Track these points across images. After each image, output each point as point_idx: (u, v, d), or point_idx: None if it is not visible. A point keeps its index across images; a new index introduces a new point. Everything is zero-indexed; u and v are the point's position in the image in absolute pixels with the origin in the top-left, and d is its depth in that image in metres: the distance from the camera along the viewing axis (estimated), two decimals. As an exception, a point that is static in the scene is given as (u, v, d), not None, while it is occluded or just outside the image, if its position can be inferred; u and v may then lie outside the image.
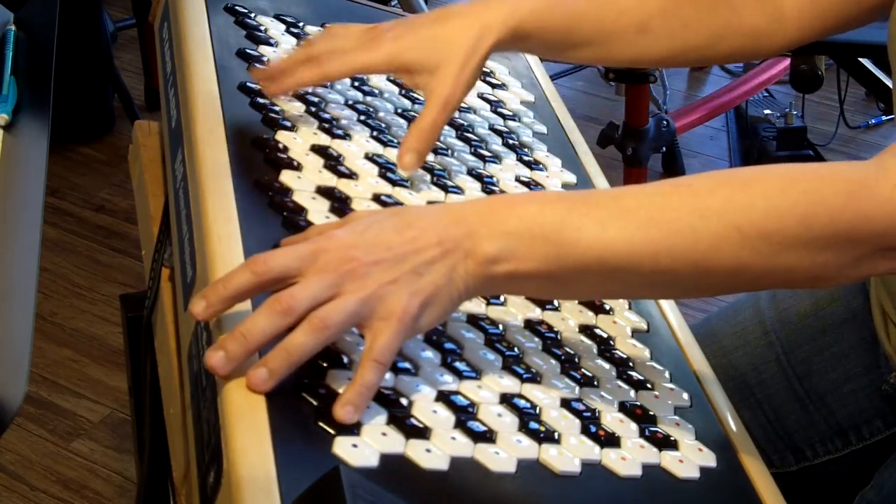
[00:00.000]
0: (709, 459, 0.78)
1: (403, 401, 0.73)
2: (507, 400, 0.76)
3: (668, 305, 0.92)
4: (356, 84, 1.03)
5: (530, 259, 0.73)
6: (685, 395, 0.83)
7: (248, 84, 0.97)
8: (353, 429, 0.69)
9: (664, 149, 2.59)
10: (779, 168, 0.74)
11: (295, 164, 0.89)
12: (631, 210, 0.73)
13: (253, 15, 1.07)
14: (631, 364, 0.85)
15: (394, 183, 0.92)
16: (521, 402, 0.77)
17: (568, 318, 0.86)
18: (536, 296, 0.78)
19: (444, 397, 0.75)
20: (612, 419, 0.79)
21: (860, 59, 2.25)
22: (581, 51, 0.97)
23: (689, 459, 0.78)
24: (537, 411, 0.77)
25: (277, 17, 1.09)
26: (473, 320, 0.82)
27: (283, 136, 0.92)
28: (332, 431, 0.68)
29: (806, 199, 0.72)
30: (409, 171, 0.91)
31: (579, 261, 0.73)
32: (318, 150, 0.92)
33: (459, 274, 0.73)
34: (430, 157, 0.97)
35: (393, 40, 0.91)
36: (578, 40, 0.96)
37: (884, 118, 2.86)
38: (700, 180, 0.74)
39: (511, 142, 1.04)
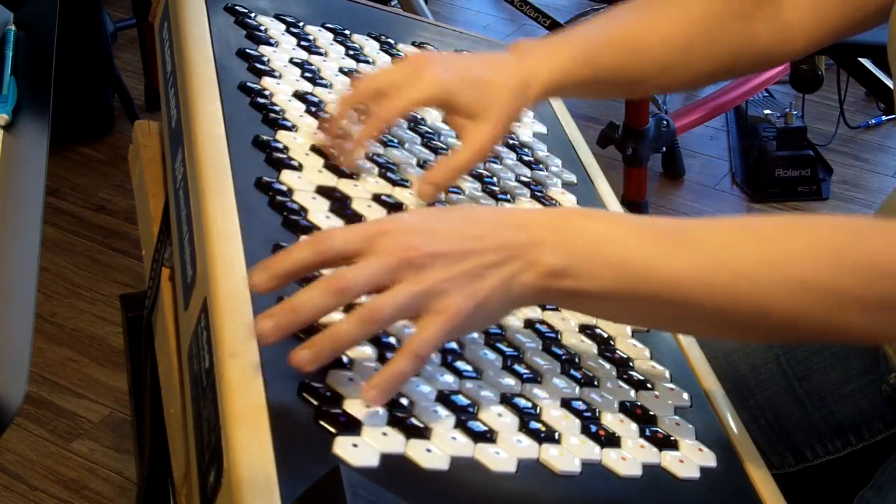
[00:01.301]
0: (709, 459, 0.78)
1: (403, 401, 0.73)
2: (507, 400, 0.76)
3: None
4: (356, 84, 1.03)
5: (592, 278, 0.72)
6: (685, 395, 0.83)
7: (248, 84, 0.97)
8: (353, 429, 0.69)
9: (664, 149, 2.59)
10: (850, 223, 0.74)
11: (295, 164, 0.89)
12: (698, 246, 0.73)
13: (253, 15, 1.07)
14: (631, 364, 0.85)
15: (394, 183, 0.92)
16: (522, 402, 0.77)
17: (568, 318, 0.86)
18: (591, 314, 0.77)
19: (444, 397, 0.75)
20: (613, 419, 0.79)
21: (860, 59, 2.25)
22: (629, 90, 1.01)
23: (689, 459, 0.78)
24: (537, 411, 0.77)
25: (277, 17, 1.09)
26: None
27: (283, 136, 0.92)
28: (332, 431, 0.68)
29: (873, 259, 0.71)
30: (425, 200, 0.90)
31: (641, 289, 0.72)
32: (319, 150, 0.92)
33: (517, 282, 0.72)
34: (432, 158, 0.97)
35: (443, 74, 0.89)
36: (625, 82, 0.97)
37: (884, 118, 2.86)
38: (768, 226, 0.75)
39: (511, 142, 1.04)
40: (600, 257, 0.72)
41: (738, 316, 0.73)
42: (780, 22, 0.99)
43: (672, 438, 0.79)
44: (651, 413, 0.80)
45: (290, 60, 1.03)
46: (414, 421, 0.72)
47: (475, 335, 0.81)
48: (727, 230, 0.74)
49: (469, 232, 0.72)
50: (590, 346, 0.85)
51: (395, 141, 0.98)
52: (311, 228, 0.83)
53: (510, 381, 0.78)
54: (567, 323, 0.86)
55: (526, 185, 0.98)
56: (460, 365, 0.78)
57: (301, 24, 1.10)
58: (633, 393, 0.82)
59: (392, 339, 0.77)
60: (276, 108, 0.95)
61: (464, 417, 0.73)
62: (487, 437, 0.73)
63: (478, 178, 0.96)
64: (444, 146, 0.99)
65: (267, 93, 0.97)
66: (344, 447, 0.68)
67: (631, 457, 0.76)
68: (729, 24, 0.98)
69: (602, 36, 0.94)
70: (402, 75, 0.90)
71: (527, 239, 0.72)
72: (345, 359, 0.74)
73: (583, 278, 0.72)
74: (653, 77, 0.98)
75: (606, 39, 0.94)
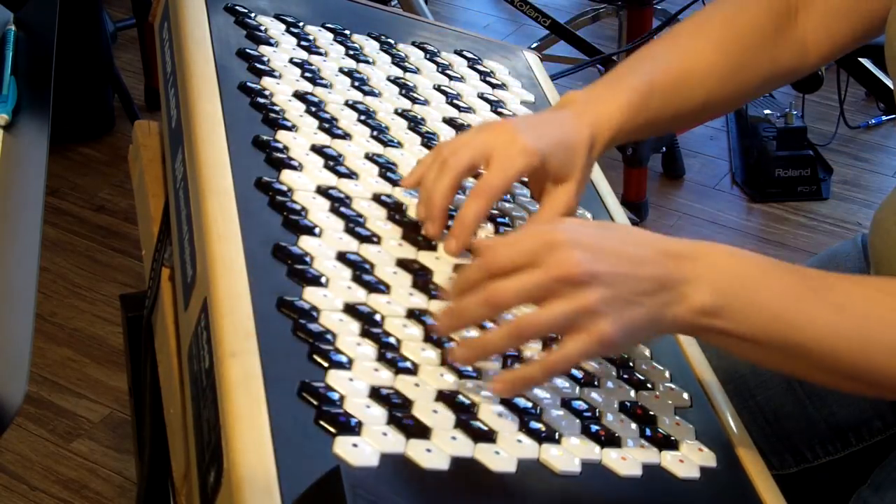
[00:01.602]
0: (709, 459, 0.78)
1: (403, 401, 0.73)
2: (506, 400, 0.76)
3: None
4: (356, 84, 1.03)
5: (742, 323, 0.74)
6: (685, 395, 0.83)
7: (248, 84, 0.97)
8: (353, 429, 0.69)
9: (664, 149, 2.59)
10: None
11: (295, 164, 0.89)
12: (840, 308, 0.76)
13: (253, 15, 1.07)
14: (631, 364, 0.85)
15: (394, 183, 0.92)
16: (522, 402, 0.76)
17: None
18: (733, 352, 0.78)
19: (444, 397, 0.74)
20: (613, 419, 0.78)
21: (860, 59, 2.25)
22: (671, 128, 1.02)
23: (689, 459, 0.78)
24: (537, 411, 0.76)
25: (277, 17, 1.09)
26: (473, 320, 0.82)
27: (283, 136, 0.92)
28: (332, 431, 0.68)
29: None
30: None
31: (787, 339, 0.75)
32: (318, 150, 0.92)
33: (668, 313, 0.74)
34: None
35: (535, 143, 0.88)
36: (670, 120, 0.98)
37: (884, 118, 2.86)
38: None
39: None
40: (753, 303, 0.74)
41: (870, 374, 0.76)
42: (797, 42, 1.01)
43: (672, 438, 0.79)
44: (651, 413, 0.80)
45: (290, 60, 1.03)
46: (413, 421, 0.72)
47: (475, 335, 0.81)
48: (866, 292, 0.77)
49: (630, 255, 0.73)
50: (590, 346, 0.85)
51: (396, 141, 0.98)
52: (311, 228, 0.83)
53: (510, 381, 0.78)
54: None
55: (527, 185, 0.98)
56: (460, 365, 0.78)
57: (301, 24, 1.10)
58: (633, 393, 0.82)
59: (392, 340, 0.77)
60: (276, 108, 0.95)
61: (464, 417, 0.73)
62: (487, 437, 0.73)
63: (477, 178, 0.96)
64: (444, 146, 0.99)
65: (267, 93, 0.97)
66: (344, 447, 0.68)
67: (631, 457, 0.76)
68: (758, 53, 1.00)
69: (649, 82, 0.95)
70: (497, 145, 0.88)
71: (684, 272, 0.74)
72: (344, 359, 0.74)
73: (734, 321, 0.74)
74: (694, 113, 1.00)
75: (653, 84, 0.95)
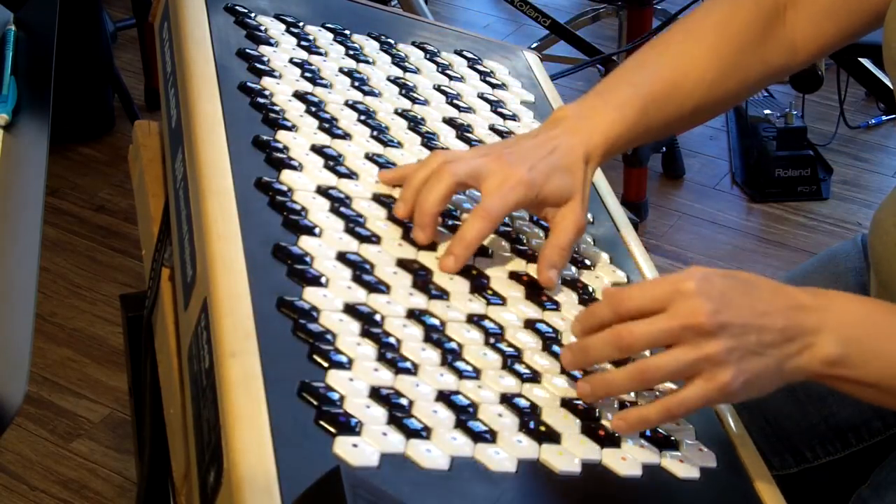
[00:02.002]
0: (709, 459, 0.78)
1: (403, 401, 0.73)
2: (507, 400, 0.76)
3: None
4: (356, 84, 1.03)
5: (867, 370, 0.77)
6: (685, 395, 0.83)
7: (248, 84, 0.97)
8: (353, 429, 0.69)
9: (664, 149, 2.59)
10: None
11: (295, 164, 0.89)
12: None
13: (253, 15, 1.07)
14: (631, 364, 0.84)
15: (394, 184, 0.92)
16: (521, 402, 0.76)
17: (568, 318, 0.86)
18: (850, 394, 0.80)
19: (444, 397, 0.74)
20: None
21: (860, 59, 2.25)
22: (664, 134, 1.02)
23: (689, 459, 0.78)
24: (537, 411, 0.76)
25: (277, 17, 1.09)
26: (473, 320, 0.82)
27: (283, 136, 0.92)
28: (332, 431, 0.68)
29: None
30: (551, 287, 0.88)
31: None
32: (318, 150, 0.92)
33: (791, 364, 0.76)
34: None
35: (527, 175, 0.87)
36: (662, 128, 0.98)
37: (884, 118, 2.86)
38: None
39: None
40: (878, 351, 0.77)
41: None
42: (786, 40, 1.01)
43: (672, 438, 0.79)
44: (651, 413, 0.80)
45: (290, 60, 1.03)
46: (414, 421, 0.72)
47: (475, 335, 0.81)
48: None
49: (756, 307, 0.75)
50: (590, 346, 0.85)
51: (396, 141, 0.98)
52: (311, 228, 0.83)
53: (510, 381, 0.78)
54: (567, 323, 0.86)
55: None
56: (460, 365, 0.78)
57: (301, 24, 1.10)
58: (633, 393, 0.82)
59: (392, 340, 0.77)
60: (276, 108, 0.95)
61: (464, 417, 0.73)
62: (487, 437, 0.73)
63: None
64: (443, 147, 0.99)
65: (267, 93, 0.97)
66: (344, 447, 0.68)
67: (631, 457, 0.76)
68: (749, 56, 1.00)
69: (642, 94, 0.95)
70: (494, 170, 0.88)
71: (809, 323, 0.76)
72: (344, 359, 0.74)
73: (859, 368, 0.77)
74: (686, 119, 1.00)
75: (646, 96, 0.95)
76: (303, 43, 1.06)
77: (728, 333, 0.74)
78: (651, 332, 0.74)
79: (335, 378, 0.72)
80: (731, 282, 0.76)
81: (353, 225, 0.86)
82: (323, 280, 0.79)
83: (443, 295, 0.83)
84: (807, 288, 0.79)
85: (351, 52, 1.08)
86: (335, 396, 0.71)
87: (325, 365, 0.73)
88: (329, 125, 0.96)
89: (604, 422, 0.78)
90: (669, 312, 0.74)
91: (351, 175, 0.91)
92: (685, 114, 0.98)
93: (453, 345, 0.79)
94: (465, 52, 1.15)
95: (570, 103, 0.95)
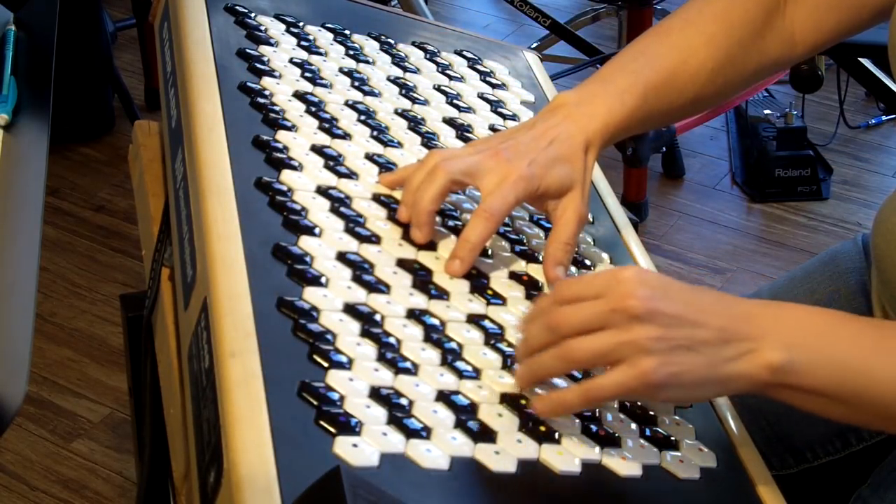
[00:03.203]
0: (709, 459, 0.78)
1: (403, 401, 0.73)
2: (507, 399, 0.76)
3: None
4: (356, 84, 1.03)
5: (813, 375, 0.73)
6: (685, 395, 0.83)
7: (248, 84, 0.97)
8: (353, 429, 0.69)
9: (664, 149, 2.59)
10: None
11: (295, 164, 0.89)
12: None
13: (253, 15, 1.07)
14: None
15: (394, 183, 0.92)
16: (522, 402, 0.76)
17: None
18: (802, 406, 0.77)
19: (444, 397, 0.74)
20: (613, 419, 0.78)
21: (860, 59, 2.25)
22: (662, 123, 1.02)
23: (689, 459, 0.78)
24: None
25: (277, 17, 1.09)
26: (473, 320, 0.82)
27: (283, 136, 0.92)
28: (332, 431, 0.68)
29: None
30: (551, 281, 0.88)
31: (861, 392, 0.74)
32: (318, 150, 0.92)
33: (730, 368, 0.73)
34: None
35: (526, 170, 0.87)
36: (661, 116, 0.98)
37: (884, 118, 2.86)
38: None
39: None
40: (826, 357, 0.74)
41: None
42: (786, 33, 1.01)
43: (672, 438, 0.79)
44: (651, 413, 0.80)
45: (290, 60, 1.03)
46: (414, 421, 0.72)
47: (475, 335, 0.81)
48: None
49: (695, 304, 0.73)
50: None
51: (396, 141, 0.98)
52: (311, 228, 0.83)
53: (510, 380, 0.78)
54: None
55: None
56: (460, 365, 0.78)
57: (301, 24, 1.10)
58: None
59: (392, 340, 0.77)
60: (276, 108, 0.95)
61: (464, 417, 0.73)
62: (487, 437, 0.73)
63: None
64: (443, 147, 0.99)
65: (267, 93, 0.97)
66: (344, 447, 0.68)
67: (631, 457, 0.76)
68: (748, 48, 1.00)
69: (642, 82, 0.95)
70: (491, 168, 0.88)
71: (750, 328, 0.73)
72: (344, 359, 0.74)
73: (807, 376, 0.73)
74: (683, 108, 1.00)
75: (646, 84, 0.95)
76: (303, 43, 1.06)
77: (658, 322, 0.71)
78: (581, 313, 0.72)
79: (335, 378, 0.72)
80: (678, 282, 0.75)
81: (353, 225, 0.86)
82: (323, 280, 0.79)
83: (443, 295, 0.83)
84: (755, 299, 0.77)
85: (351, 52, 1.08)
86: (335, 396, 0.71)
87: (325, 365, 0.73)
88: (329, 125, 0.96)
89: (603, 422, 0.78)
90: (604, 298, 0.72)
91: (351, 175, 0.91)
92: (684, 103, 0.98)
93: (453, 345, 0.79)
94: (465, 52, 1.15)
95: (568, 90, 0.95)
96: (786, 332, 0.74)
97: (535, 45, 2.77)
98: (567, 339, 0.73)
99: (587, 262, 0.93)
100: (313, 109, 0.97)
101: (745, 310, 0.75)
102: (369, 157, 0.94)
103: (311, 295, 0.78)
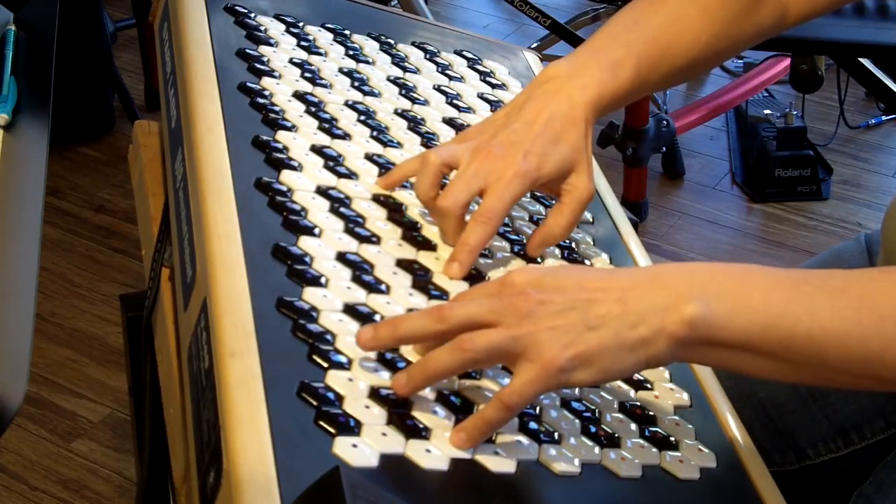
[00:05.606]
0: (709, 459, 0.78)
1: (403, 401, 0.73)
2: (507, 400, 0.76)
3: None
4: (356, 84, 1.03)
5: (736, 328, 0.69)
6: (685, 395, 0.83)
7: (248, 84, 0.97)
8: (352, 429, 0.69)
9: (664, 149, 2.59)
10: None
11: (295, 164, 0.89)
12: (840, 291, 0.70)
13: (253, 15, 1.07)
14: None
15: (394, 183, 0.92)
16: (521, 403, 0.76)
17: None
18: (727, 368, 0.73)
19: (443, 397, 0.75)
20: (612, 419, 0.78)
21: (860, 59, 2.25)
22: (655, 90, 1.02)
23: (689, 460, 0.78)
24: (537, 411, 0.76)
25: (277, 17, 1.09)
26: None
27: (283, 136, 0.92)
28: (332, 431, 0.68)
29: None
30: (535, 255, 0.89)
31: (788, 339, 0.69)
32: (318, 150, 0.92)
33: (637, 335, 0.69)
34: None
35: (523, 164, 0.87)
36: (654, 85, 0.98)
37: (884, 118, 2.86)
38: None
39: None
40: (742, 303, 0.70)
41: (886, 361, 0.70)
42: (778, 5, 1.01)
43: (672, 438, 0.79)
44: (651, 413, 0.80)
45: (290, 60, 1.03)
46: (414, 421, 0.72)
47: (475, 335, 0.81)
48: (868, 275, 0.72)
49: (587, 284, 0.70)
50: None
51: (395, 141, 0.98)
52: (310, 229, 0.83)
53: (509, 381, 0.78)
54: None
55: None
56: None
57: (301, 24, 1.10)
58: (632, 393, 0.82)
59: (392, 340, 0.77)
60: (276, 108, 0.95)
61: (463, 417, 0.73)
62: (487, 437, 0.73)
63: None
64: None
65: (267, 93, 0.97)
66: (344, 447, 0.68)
67: (631, 457, 0.76)
68: (742, 20, 0.99)
69: (634, 54, 0.94)
70: (491, 175, 0.87)
71: (654, 289, 0.70)
72: (344, 359, 0.74)
73: (725, 328, 0.69)
74: (675, 79, 1.00)
75: (639, 56, 0.94)
76: (303, 43, 1.06)
77: (548, 311, 0.69)
78: (469, 307, 0.71)
79: (335, 378, 0.72)
80: (575, 267, 0.73)
81: (353, 225, 0.86)
82: (323, 280, 0.79)
83: (443, 295, 0.83)
84: (672, 262, 0.74)
85: (351, 53, 1.08)
86: (335, 397, 0.71)
87: (325, 365, 0.73)
88: (329, 125, 0.96)
89: (603, 422, 0.78)
90: (496, 296, 0.71)
91: (351, 175, 0.91)
92: (676, 74, 0.98)
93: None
94: (464, 52, 1.15)
95: (558, 60, 0.94)
96: (700, 284, 0.70)
97: (535, 45, 2.77)
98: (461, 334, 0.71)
99: (586, 262, 0.93)
100: (313, 110, 0.97)
101: (650, 273, 0.72)
102: (369, 158, 0.94)
103: (311, 295, 0.78)
